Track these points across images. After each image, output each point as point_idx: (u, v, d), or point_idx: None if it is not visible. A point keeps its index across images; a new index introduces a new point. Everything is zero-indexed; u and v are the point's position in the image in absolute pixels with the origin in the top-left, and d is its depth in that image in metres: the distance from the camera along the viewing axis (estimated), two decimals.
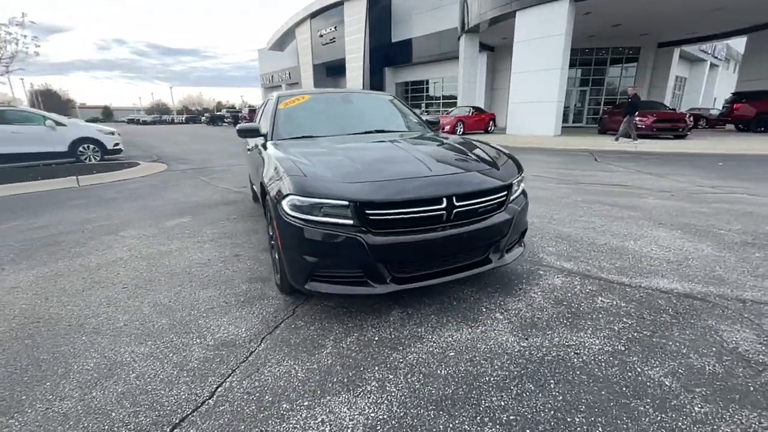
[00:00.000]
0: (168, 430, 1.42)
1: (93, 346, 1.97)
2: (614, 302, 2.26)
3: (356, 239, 1.87)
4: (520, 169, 2.49)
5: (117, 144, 10.48)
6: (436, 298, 2.36)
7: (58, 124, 9.51)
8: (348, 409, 1.51)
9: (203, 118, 47.74)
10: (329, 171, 2.08)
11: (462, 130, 15.95)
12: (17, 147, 8.94)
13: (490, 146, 2.74)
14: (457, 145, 2.73)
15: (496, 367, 1.72)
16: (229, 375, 1.72)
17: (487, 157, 2.46)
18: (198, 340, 1.99)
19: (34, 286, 2.69)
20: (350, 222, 1.90)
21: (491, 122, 17.52)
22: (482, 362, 1.75)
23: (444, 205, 1.96)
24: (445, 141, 2.75)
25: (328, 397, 1.57)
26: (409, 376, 1.68)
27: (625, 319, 2.07)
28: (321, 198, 1.91)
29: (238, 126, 3.11)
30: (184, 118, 57.83)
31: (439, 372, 1.70)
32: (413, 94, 30.81)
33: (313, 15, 34.26)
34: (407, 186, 1.98)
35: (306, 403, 1.54)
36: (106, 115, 76.97)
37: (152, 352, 1.90)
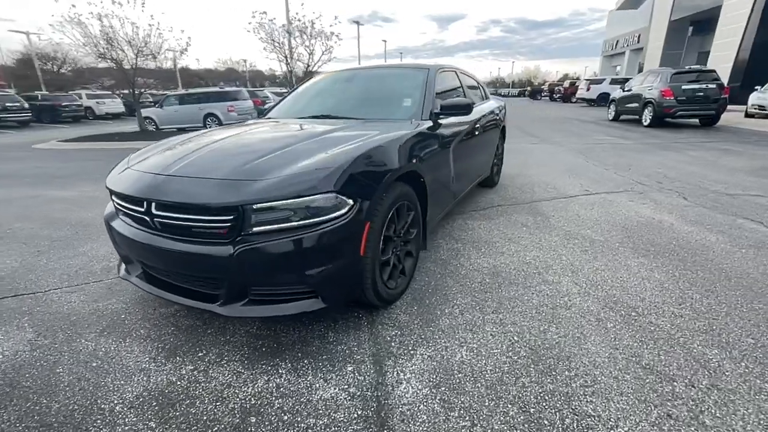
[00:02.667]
0: None
1: (73, 238, 3.02)
2: None
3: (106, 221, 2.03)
4: (327, 186, 1.60)
5: None
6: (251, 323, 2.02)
7: None
8: None
9: (526, 91, 49.51)
10: (151, 154, 2.15)
11: None
12: None
13: (357, 146, 1.90)
14: (329, 140, 2.06)
15: None
16: (68, 287, 2.27)
17: (292, 163, 1.75)
18: (105, 261, 2.65)
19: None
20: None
21: None
22: None
23: (144, 209, 1.73)
24: (340, 135, 2.14)
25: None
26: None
27: None
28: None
29: (266, 107, 3.42)
30: (516, 92, 59.24)
31: None
32: None
33: None
34: (138, 179, 1.84)
35: None
36: None
37: (76, 255, 2.73)
